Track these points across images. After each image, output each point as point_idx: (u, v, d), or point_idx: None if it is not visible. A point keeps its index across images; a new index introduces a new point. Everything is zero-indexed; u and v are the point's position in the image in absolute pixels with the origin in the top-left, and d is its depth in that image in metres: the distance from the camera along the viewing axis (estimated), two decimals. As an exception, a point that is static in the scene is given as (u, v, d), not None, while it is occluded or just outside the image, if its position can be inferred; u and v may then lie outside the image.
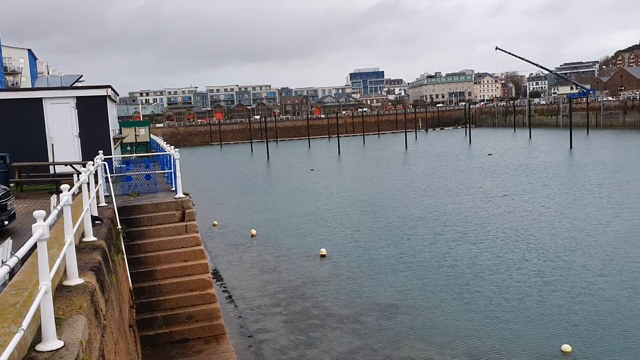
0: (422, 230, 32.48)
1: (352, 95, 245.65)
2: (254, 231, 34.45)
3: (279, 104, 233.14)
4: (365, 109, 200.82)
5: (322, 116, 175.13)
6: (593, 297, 20.27)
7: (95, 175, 13.84)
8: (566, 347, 16.32)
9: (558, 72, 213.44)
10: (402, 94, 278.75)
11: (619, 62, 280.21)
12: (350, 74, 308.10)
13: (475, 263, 25.43)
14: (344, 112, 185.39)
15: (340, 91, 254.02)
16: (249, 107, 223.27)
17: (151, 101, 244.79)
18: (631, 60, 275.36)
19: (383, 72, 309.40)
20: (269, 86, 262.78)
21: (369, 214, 38.45)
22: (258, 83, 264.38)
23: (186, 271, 14.80)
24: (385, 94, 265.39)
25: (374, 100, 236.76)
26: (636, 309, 18.96)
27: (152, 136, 44.37)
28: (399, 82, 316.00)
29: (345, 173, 65.31)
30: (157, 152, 30.28)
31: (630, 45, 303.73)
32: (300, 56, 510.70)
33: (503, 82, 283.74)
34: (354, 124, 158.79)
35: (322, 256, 27.92)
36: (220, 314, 14.62)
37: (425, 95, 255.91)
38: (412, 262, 26.15)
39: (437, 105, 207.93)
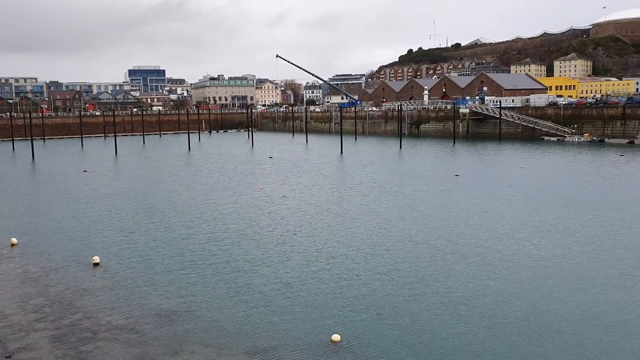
0: (200, 231, 32.47)
1: (131, 92, 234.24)
2: (14, 239, 30.85)
3: (47, 99, 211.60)
4: (160, 107, 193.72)
5: (98, 113, 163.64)
6: (356, 287, 22.41)
7: None
8: (336, 337, 17.74)
9: (331, 83, 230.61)
10: (185, 94, 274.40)
11: (381, 76, 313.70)
12: (129, 70, 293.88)
13: (251, 259, 26.34)
14: (135, 109, 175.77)
15: (117, 88, 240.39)
16: (11, 101, 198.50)
17: None
18: (391, 75, 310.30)
19: (164, 70, 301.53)
20: (36, 79, 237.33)
21: (147, 216, 37.16)
22: (22, 75, 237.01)
23: None
24: (167, 93, 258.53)
25: (155, 99, 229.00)
26: (393, 294, 21.48)
27: None
28: (181, 82, 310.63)
29: (123, 174, 62.14)
30: None
31: (391, 62, 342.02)
32: (74, 49, 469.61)
33: (283, 88, 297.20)
34: (133, 123, 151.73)
35: (95, 264, 26.20)
36: (-31, 336, 12.86)
37: (209, 97, 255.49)
38: (191, 263, 26.00)
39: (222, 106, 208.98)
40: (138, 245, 29.73)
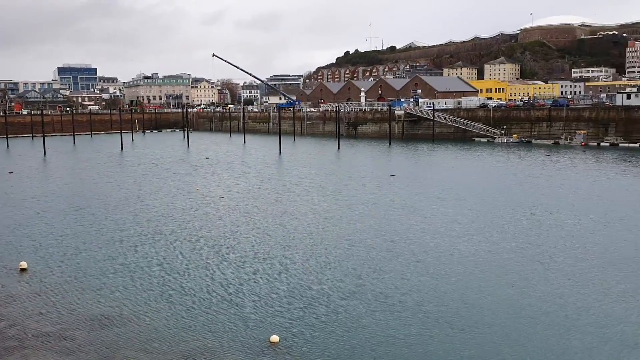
0: (133, 234, 31.67)
1: (61, 91, 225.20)
2: None
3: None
4: (96, 107, 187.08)
5: (24, 112, 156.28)
6: (294, 286, 22.52)
7: None
8: (274, 338, 17.72)
9: (268, 83, 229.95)
10: (117, 93, 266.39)
11: (319, 77, 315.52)
12: (59, 68, 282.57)
13: (186, 261, 26.00)
14: (68, 108, 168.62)
15: (46, 86, 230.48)
16: None
17: None
18: (329, 77, 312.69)
19: (96, 69, 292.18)
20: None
21: (77, 219, 35.88)
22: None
23: None
24: (98, 92, 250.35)
25: (86, 98, 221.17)
26: (330, 292, 21.73)
27: None
28: (113, 80, 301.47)
29: (52, 175, 59.66)
30: None
31: (328, 63, 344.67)
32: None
33: (219, 88, 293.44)
34: (63, 123, 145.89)
35: (23, 269, 25.10)
36: None
37: (142, 96, 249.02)
38: (123, 266, 25.33)
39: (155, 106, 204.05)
40: (68, 249, 28.69)
